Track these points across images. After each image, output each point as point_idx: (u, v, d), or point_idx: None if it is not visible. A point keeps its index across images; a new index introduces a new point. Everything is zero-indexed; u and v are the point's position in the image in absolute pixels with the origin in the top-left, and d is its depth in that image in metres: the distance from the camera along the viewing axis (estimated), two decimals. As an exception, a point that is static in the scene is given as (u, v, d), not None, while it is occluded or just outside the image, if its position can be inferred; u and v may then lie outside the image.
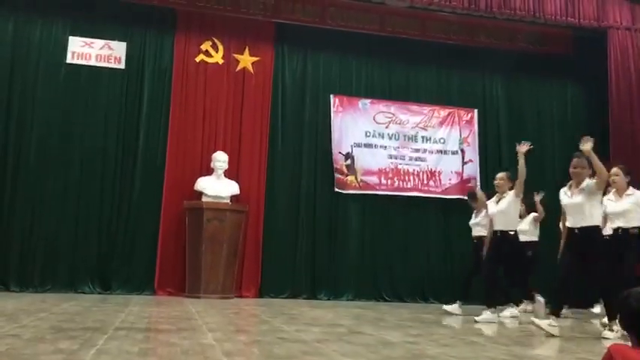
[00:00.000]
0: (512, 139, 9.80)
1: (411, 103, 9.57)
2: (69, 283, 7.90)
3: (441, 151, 9.52)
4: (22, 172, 8.00)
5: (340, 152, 9.09)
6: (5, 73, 8.13)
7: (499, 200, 6.51)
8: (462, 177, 9.47)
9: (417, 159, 9.42)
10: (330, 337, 4.28)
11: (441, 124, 9.62)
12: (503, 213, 6.36)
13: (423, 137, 9.49)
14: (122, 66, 8.55)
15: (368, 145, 9.22)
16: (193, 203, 8.10)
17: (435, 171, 9.42)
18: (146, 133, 8.52)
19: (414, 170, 9.36)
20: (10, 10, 8.24)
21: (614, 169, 6.04)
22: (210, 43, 8.95)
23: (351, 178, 9.06)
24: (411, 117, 9.50)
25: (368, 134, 9.28)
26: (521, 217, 7.55)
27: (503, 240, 6.31)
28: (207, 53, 8.93)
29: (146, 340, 3.74)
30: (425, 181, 9.37)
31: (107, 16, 8.53)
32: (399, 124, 9.44)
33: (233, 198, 8.34)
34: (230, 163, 8.42)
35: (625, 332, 2.12)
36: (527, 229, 7.80)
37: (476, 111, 9.79)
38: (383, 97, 9.50)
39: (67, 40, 8.40)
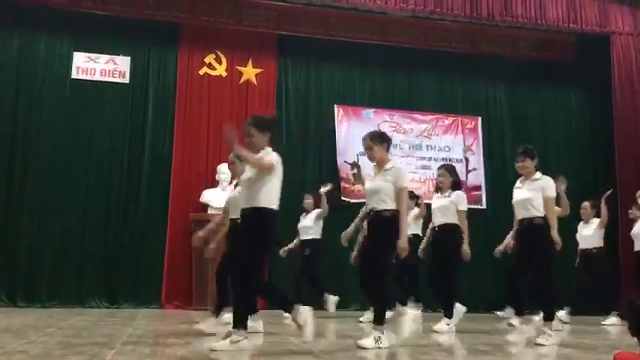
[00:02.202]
0: (517, 146, 9.85)
1: (414, 112, 9.59)
2: (76, 298, 7.90)
3: (445, 159, 9.51)
4: (29, 187, 8.04)
5: (346, 161, 9.08)
6: (11, 89, 8.19)
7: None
8: (466, 185, 9.44)
9: (422, 167, 9.42)
10: (338, 349, 4.26)
11: (445, 132, 9.62)
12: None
13: (427, 146, 9.49)
14: (127, 80, 8.61)
15: (373, 155, 9.21)
16: (199, 216, 8.10)
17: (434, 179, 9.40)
18: (151, 147, 8.56)
19: (419, 178, 9.35)
20: (15, 27, 8.32)
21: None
22: (214, 56, 9.00)
23: (357, 186, 9.05)
24: (415, 126, 9.51)
25: (372, 143, 9.26)
26: None
27: None
28: (210, 66, 8.98)
29: (154, 354, 3.72)
30: (431, 189, 9.35)
31: (111, 32, 8.60)
32: (404, 133, 9.44)
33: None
34: (234, 175, 8.42)
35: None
36: None
37: (479, 119, 9.78)
38: (386, 107, 9.52)
39: (72, 55, 8.48)
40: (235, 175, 5.86)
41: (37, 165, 8.10)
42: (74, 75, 8.46)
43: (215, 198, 8.19)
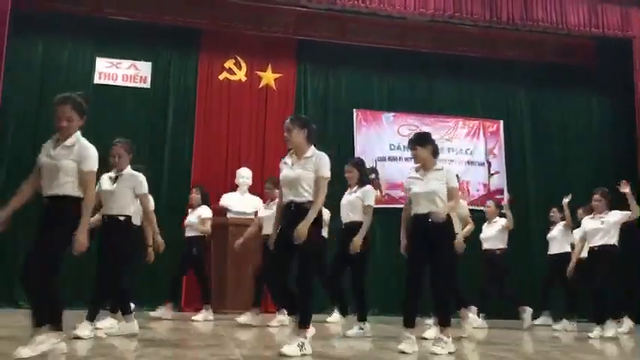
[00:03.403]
0: (537, 151, 9.81)
1: (435, 116, 9.56)
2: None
3: (467, 162, 9.46)
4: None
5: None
6: (35, 95, 8.32)
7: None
8: (488, 188, 9.40)
9: (443, 170, 9.38)
10: (357, 353, 4.26)
11: (467, 135, 9.59)
12: None
13: (448, 149, 9.46)
14: (148, 85, 8.72)
15: (392, 159, 9.21)
16: (218, 219, 8.14)
17: (462, 182, 9.35)
18: (171, 151, 8.64)
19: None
20: (39, 33, 8.46)
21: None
22: (234, 61, 9.07)
23: (376, 192, 9.04)
24: (436, 129, 9.46)
25: (392, 147, 9.28)
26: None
27: None
28: (230, 71, 9.05)
29: (175, 356, 3.76)
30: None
31: (133, 37, 8.71)
32: (424, 136, 9.40)
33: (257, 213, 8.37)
34: (254, 179, 8.48)
35: None
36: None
37: (501, 122, 9.73)
38: (406, 111, 9.50)
39: (95, 61, 8.60)
40: (270, 196, 6.53)
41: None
42: (96, 80, 8.58)
43: (234, 202, 8.23)
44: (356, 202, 5.51)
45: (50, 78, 8.43)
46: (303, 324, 3.88)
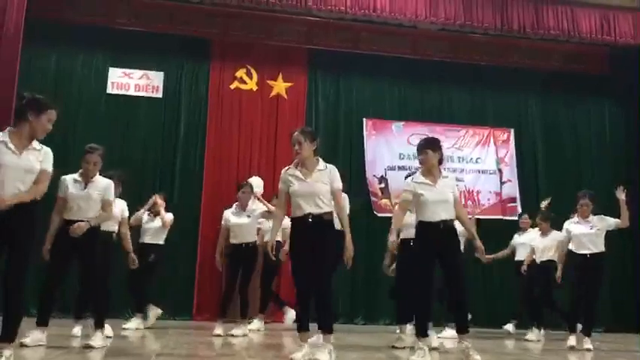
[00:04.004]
0: (550, 159, 9.76)
1: (445, 125, 9.54)
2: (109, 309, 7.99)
3: (478, 171, 9.43)
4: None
5: (374, 175, 9.09)
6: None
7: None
8: (500, 197, 9.36)
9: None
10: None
11: (477, 144, 9.55)
12: None
13: (459, 158, 9.43)
14: (160, 95, 8.78)
15: (402, 168, 9.18)
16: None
17: (472, 191, 9.32)
18: (183, 159, 8.69)
19: (451, 191, 9.28)
20: (53, 44, 8.55)
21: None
22: (245, 71, 9.11)
23: (385, 201, 9.03)
24: (446, 138, 9.42)
25: (402, 156, 9.26)
26: None
27: None
28: (241, 80, 9.09)
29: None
30: (463, 202, 9.28)
31: (145, 48, 8.78)
32: (434, 145, 9.39)
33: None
34: (265, 187, 8.48)
35: None
36: None
37: (512, 131, 9.69)
38: (416, 120, 9.49)
39: (108, 71, 8.68)
40: (244, 202, 6.38)
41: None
42: (109, 90, 8.66)
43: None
44: None
45: (64, 88, 8.51)
46: (330, 330, 4.02)
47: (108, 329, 5.13)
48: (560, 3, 8.95)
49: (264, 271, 7.07)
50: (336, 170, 4.26)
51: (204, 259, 8.35)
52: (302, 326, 4.09)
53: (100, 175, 4.88)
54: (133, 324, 6.42)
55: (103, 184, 4.81)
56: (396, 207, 4.92)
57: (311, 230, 4.06)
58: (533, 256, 7.08)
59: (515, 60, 9.75)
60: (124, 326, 6.36)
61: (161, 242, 6.84)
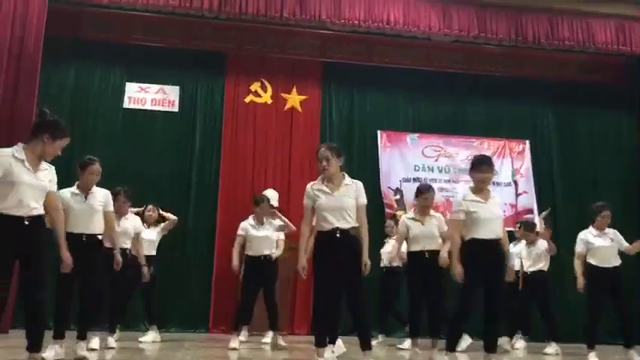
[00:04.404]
0: (566, 170, 9.68)
1: (460, 136, 9.52)
2: (124, 322, 8.03)
3: (493, 183, 9.35)
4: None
5: (389, 187, 9.07)
6: (66, 119, 8.36)
7: None
8: (516, 209, 9.29)
9: (468, 191, 9.30)
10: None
11: (492, 156, 9.48)
12: None
13: (474, 170, 9.37)
14: (176, 109, 8.87)
15: (417, 179, 9.15)
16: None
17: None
18: (199, 173, 8.75)
19: (465, 203, 9.23)
20: (71, 60, 8.68)
21: None
22: (259, 84, 9.17)
23: (400, 212, 9.00)
24: (461, 150, 9.43)
25: (417, 168, 9.25)
26: None
27: None
28: (256, 94, 9.16)
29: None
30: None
31: (161, 62, 8.88)
32: (449, 157, 9.38)
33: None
34: (280, 200, 8.51)
35: None
36: None
37: (527, 142, 9.64)
38: (431, 132, 9.48)
39: (124, 85, 8.79)
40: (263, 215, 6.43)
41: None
42: (126, 104, 8.76)
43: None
44: None
45: (82, 103, 8.64)
46: (370, 346, 4.15)
47: (95, 342, 5.22)
48: (575, 14, 8.89)
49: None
50: (362, 185, 4.34)
51: (221, 272, 8.36)
52: (322, 342, 4.12)
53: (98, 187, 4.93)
54: (149, 337, 6.45)
55: (102, 194, 4.85)
56: (450, 228, 4.86)
57: (339, 244, 4.11)
58: (518, 268, 7.14)
59: (529, 71, 9.70)
60: (140, 339, 6.39)
61: (154, 253, 6.86)
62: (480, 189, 4.60)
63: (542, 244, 6.95)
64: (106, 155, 8.46)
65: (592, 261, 5.99)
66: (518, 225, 7.81)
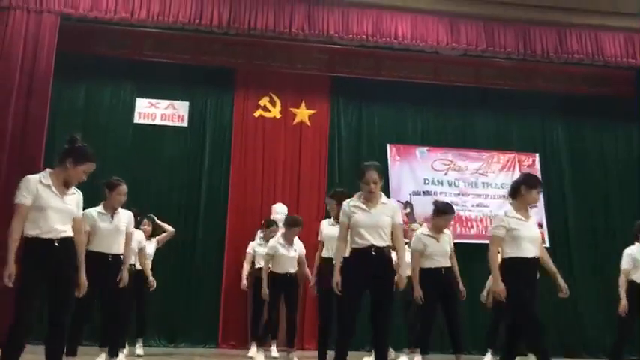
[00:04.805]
0: (576, 184, 9.61)
1: (469, 150, 9.50)
2: (135, 337, 8.03)
3: (503, 197, 9.33)
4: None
5: (399, 201, 9.04)
6: (78, 134, 8.56)
7: None
8: (525, 223, 9.22)
9: (478, 205, 9.26)
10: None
11: (502, 169, 9.48)
12: None
13: (483, 183, 9.36)
14: (185, 124, 8.92)
15: (427, 193, 9.14)
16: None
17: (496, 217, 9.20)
18: (208, 187, 8.77)
19: (476, 217, 9.20)
20: (82, 76, 8.76)
21: None
22: (268, 99, 9.21)
23: (416, 226, 8.96)
24: (470, 163, 9.40)
25: (427, 182, 9.23)
26: None
27: None
28: (265, 108, 9.19)
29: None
30: (488, 226, 9.17)
31: (171, 78, 8.94)
32: (458, 170, 9.36)
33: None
34: (289, 214, 8.49)
35: None
36: None
37: (537, 156, 9.60)
38: (440, 145, 9.46)
39: (135, 101, 8.86)
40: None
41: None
42: (136, 120, 8.82)
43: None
44: None
45: (92, 118, 8.70)
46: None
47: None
48: (583, 27, 8.89)
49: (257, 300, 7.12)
50: (398, 206, 4.46)
51: (230, 287, 8.35)
52: (343, 357, 4.17)
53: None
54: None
55: (127, 216, 5.02)
56: (490, 244, 4.67)
57: (373, 262, 4.14)
58: None
59: (538, 84, 9.69)
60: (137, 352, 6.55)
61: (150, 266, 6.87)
62: (522, 207, 4.57)
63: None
64: (117, 170, 8.50)
65: (635, 278, 5.87)
66: None
